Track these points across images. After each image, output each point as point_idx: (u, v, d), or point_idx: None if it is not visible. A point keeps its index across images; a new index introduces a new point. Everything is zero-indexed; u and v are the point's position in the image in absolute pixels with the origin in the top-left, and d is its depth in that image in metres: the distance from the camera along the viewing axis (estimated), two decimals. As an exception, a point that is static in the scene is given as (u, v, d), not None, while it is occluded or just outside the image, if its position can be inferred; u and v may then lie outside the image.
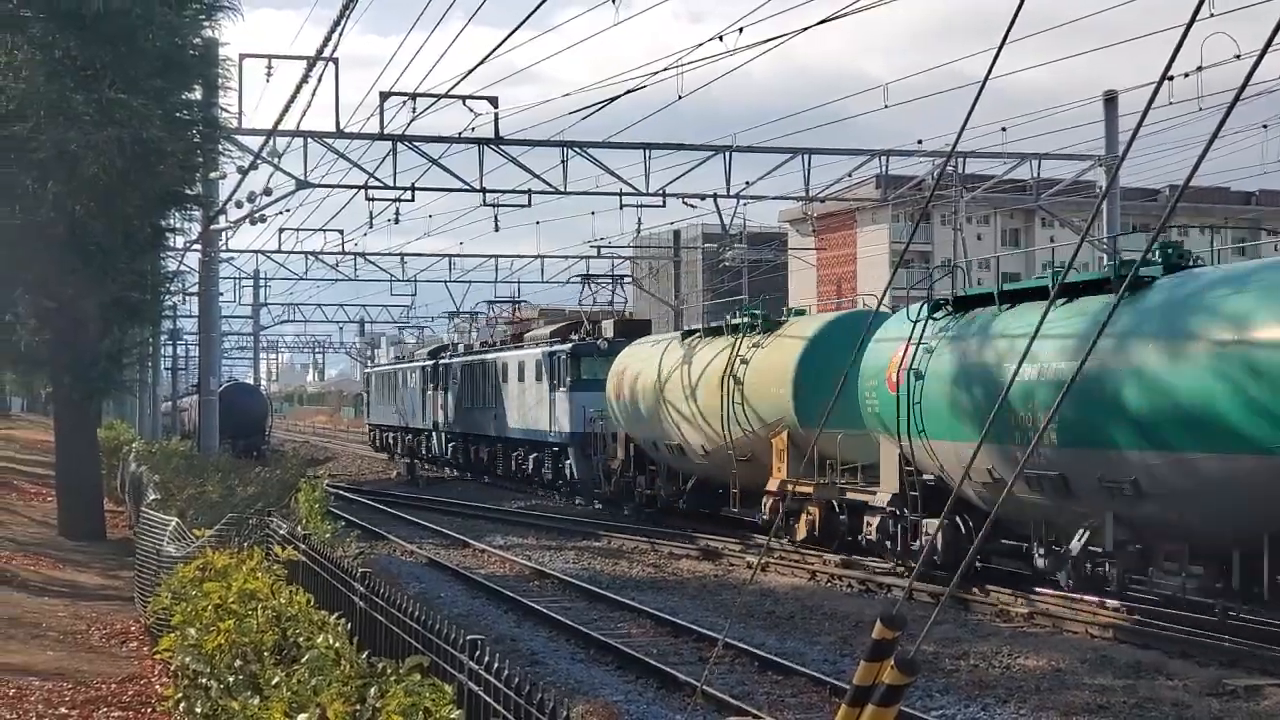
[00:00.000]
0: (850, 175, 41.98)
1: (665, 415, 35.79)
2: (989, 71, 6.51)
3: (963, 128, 6.95)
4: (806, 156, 38.89)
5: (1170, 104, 32.08)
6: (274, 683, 7.08)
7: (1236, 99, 5.66)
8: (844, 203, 53.70)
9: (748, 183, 40.71)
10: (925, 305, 24.97)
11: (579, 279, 55.77)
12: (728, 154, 38.73)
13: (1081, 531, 20.26)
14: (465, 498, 45.97)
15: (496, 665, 5.96)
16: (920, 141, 40.35)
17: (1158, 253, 19.75)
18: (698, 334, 36.78)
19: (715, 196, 40.52)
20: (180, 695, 9.71)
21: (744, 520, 33.43)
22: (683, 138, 40.12)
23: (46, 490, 38.17)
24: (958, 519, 23.50)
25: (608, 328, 46.17)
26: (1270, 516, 17.42)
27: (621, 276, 59.00)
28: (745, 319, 34.16)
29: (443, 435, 59.33)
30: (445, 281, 75.35)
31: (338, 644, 7.12)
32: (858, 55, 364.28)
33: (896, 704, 5.61)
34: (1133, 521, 19.63)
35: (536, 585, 26.31)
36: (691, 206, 41.68)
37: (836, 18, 24.76)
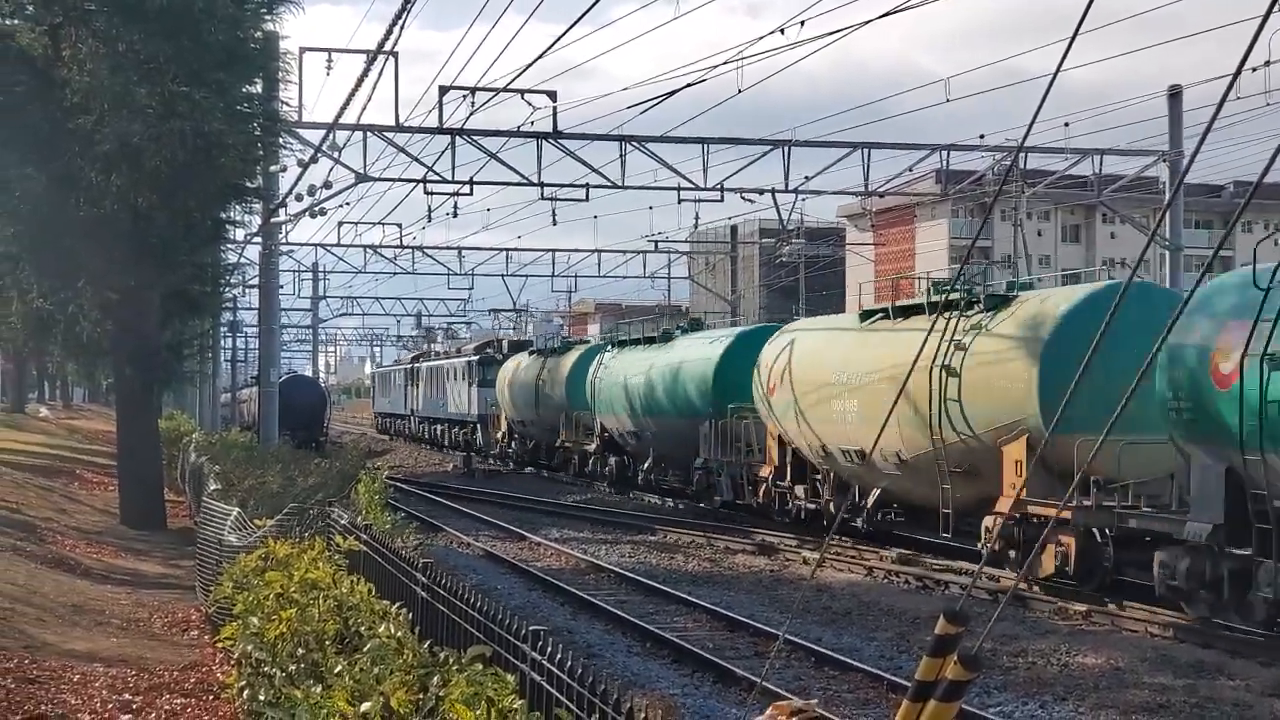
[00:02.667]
0: (910, 170, 41.87)
1: (517, 403, 56.92)
2: (1058, 68, 6.48)
3: (1031, 124, 6.92)
4: (866, 151, 38.81)
5: (1237, 99, 31.84)
6: (336, 671, 7.12)
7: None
8: (904, 197, 53.53)
9: (806, 177, 40.65)
10: (609, 341, 47.96)
11: (490, 309, 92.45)
12: (786, 148, 38.70)
13: (647, 462, 41.85)
14: (521, 490, 46.09)
15: (559, 655, 5.98)
16: (982, 136, 40.19)
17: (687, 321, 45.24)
18: (536, 352, 57.33)
19: (773, 191, 40.48)
20: (243, 683, 9.79)
21: (559, 466, 52.72)
22: (741, 133, 40.13)
23: (108, 479, 38.56)
24: (624, 457, 45.47)
25: (505, 346, 66.76)
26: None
27: (522, 310, 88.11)
28: (551, 344, 56.56)
29: (416, 418, 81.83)
30: (502, 275, 75.65)
31: (400, 633, 7.16)
32: (914, 51, 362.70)
33: (959, 700, 5.58)
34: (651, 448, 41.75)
35: (592, 578, 26.33)
36: (749, 201, 41.68)
37: (899, 10, 24.66)
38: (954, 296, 25.46)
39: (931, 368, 24.76)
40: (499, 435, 60.86)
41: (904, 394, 24.38)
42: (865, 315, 29.69)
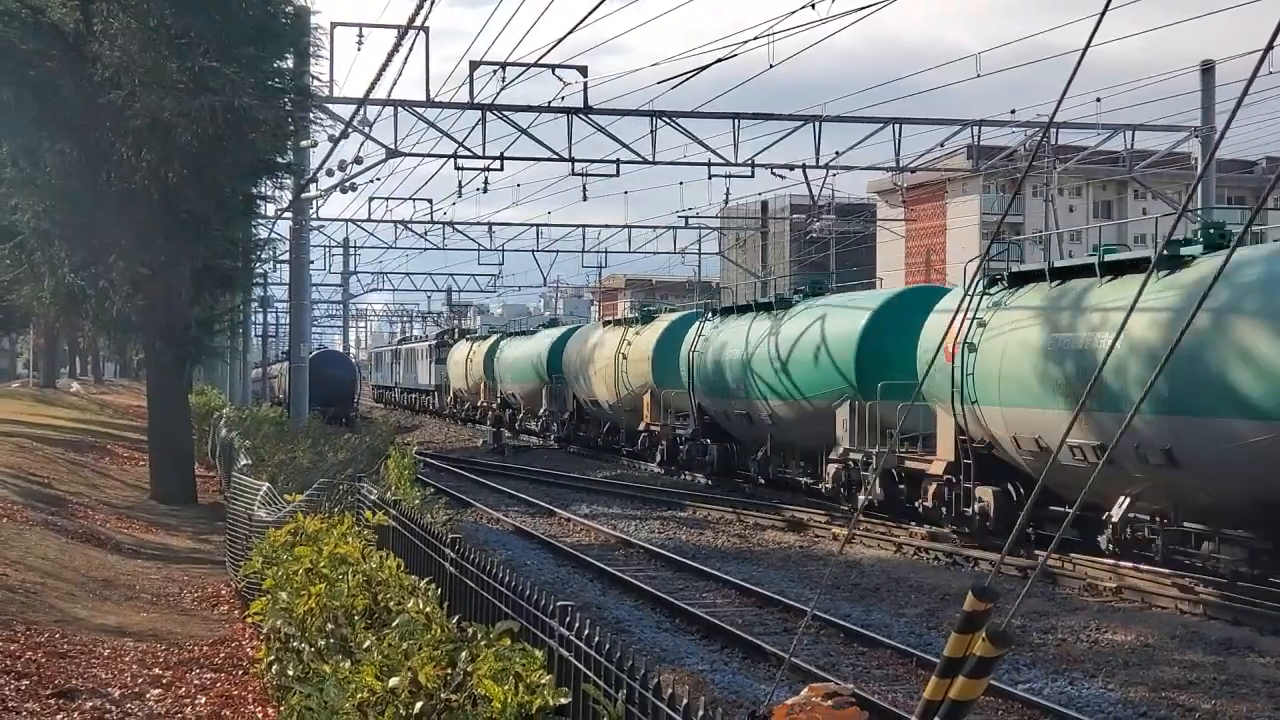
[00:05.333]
0: (941, 145, 41.65)
1: (458, 375, 76.48)
2: (1087, 44, 6.43)
3: (1060, 99, 6.88)
4: (897, 126, 38.62)
5: (1270, 73, 31.55)
6: (365, 646, 7.13)
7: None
8: (935, 173, 53.30)
9: (837, 153, 40.46)
10: (507, 332, 71.66)
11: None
12: (817, 124, 38.54)
13: (521, 414, 65.33)
14: (551, 466, 46.17)
15: (587, 631, 5.97)
16: (1013, 111, 39.95)
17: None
18: (475, 338, 78.30)
19: (804, 167, 40.32)
20: (272, 658, 9.82)
21: (473, 419, 73.02)
22: (771, 108, 39.96)
23: (139, 454, 38.68)
24: (514, 412, 64.20)
25: (456, 333, 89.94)
26: None
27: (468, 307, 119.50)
28: (485, 335, 77.10)
29: (398, 389, 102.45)
30: (533, 251, 75.52)
31: (428, 609, 7.17)
32: (945, 25, 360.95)
33: (987, 676, 5.58)
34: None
35: (621, 554, 26.36)
36: (780, 177, 41.49)
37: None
38: (632, 315, 49.28)
39: (617, 354, 47.60)
40: (448, 400, 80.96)
41: (616, 369, 47.48)
42: (605, 323, 53.42)
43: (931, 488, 26.24)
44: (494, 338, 71.71)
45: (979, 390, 24.67)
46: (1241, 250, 20.04)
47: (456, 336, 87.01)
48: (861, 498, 28.42)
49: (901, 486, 27.89)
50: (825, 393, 31.39)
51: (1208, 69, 37.86)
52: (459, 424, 75.62)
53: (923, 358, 26.51)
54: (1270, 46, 5.82)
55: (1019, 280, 25.00)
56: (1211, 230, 21.10)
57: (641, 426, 45.53)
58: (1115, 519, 21.21)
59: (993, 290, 25.39)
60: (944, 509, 25.89)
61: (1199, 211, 38.44)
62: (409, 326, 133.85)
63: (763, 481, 36.50)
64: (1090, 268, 22.57)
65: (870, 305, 31.53)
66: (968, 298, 25.04)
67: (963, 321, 24.89)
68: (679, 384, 41.47)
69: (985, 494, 24.81)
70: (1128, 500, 21.11)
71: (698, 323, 41.26)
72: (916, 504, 27.05)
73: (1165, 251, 20.67)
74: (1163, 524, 20.93)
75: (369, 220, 61.56)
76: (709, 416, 39.56)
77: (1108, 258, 22.36)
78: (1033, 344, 23.12)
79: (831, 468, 30.76)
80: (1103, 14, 6.05)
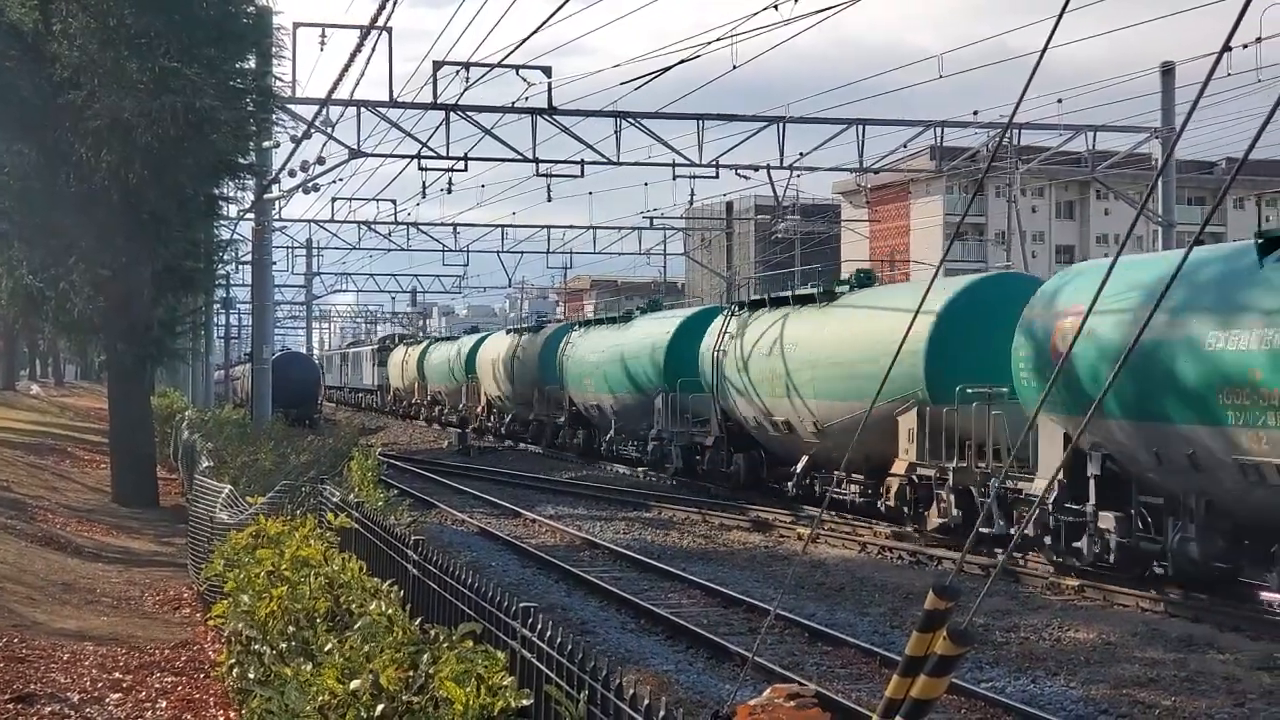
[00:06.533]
0: (905, 146, 41.76)
1: (397, 378, 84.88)
2: (1045, 46, 6.45)
3: (1019, 100, 6.89)
4: (860, 127, 38.68)
5: (1229, 75, 31.74)
6: (327, 649, 7.10)
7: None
8: (898, 173, 53.44)
9: (801, 154, 40.49)
10: (433, 339, 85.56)
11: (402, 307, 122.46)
12: (781, 125, 38.58)
13: (430, 402, 77.13)
14: (517, 468, 46.10)
15: (549, 632, 5.96)
16: (976, 113, 40.07)
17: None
18: (411, 343, 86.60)
19: (769, 168, 40.37)
20: (233, 661, 9.77)
21: (408, 415, 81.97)
22: (735, 109, 40.07)
23: (100, 457, 38.50)
24: (440, 408, 73.77)
25: (398, 339, 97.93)
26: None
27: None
28: (419, 340, 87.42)
29: (346, 388, 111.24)
30: (497, 252, 75.47)
31: (390, 611, 7.14)
32: (908, 27, 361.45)
33: (949, 675, 5.57)
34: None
35: (587, 555, 26.32)
36: (744, 178, 41.58)
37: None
38: (529, 325, 59.49)
39: (512, 359, 56.28)
40: (388, 398, 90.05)
41: (512, 369, 56.09)
42: (507, 331, 63.31)
43: (707, 455, 36.60)
44: (426, 343, 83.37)
45: (727, 384, 34.27)
46: (881, 288, 31.32)
47: (396, 341, 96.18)
48: (826, 499, 30.77)
49: (697, 457, 37.29)
50: (647, 387, 40.83)
51: (1167, 70, 38.03)
52: (424, 426, 75.53)
53: (700, 360, 36.25)
54: (1227, 48, 5.85)
55: (755, 306, 34.52)
56: (862, 274, 31.07)
57: (531, 417, 55.40)
58: (798, 472, 30.99)
59: (739, 311, 34.88)
60: (715, 471, 36.15)
61: (1159, 211, 38.61)
62: (374, 328, 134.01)
63: (619, 461, 45.72)
64: (786, 299, 32.72)
65: (676, 319, 41.48)
66: (724, 317, 35.18)
67: (719, 334, 34.94)
68: (557, 382, 50.27)
69: (739, 458, 34.98)
70: (806, 459, 30.63)
71: (569, 331, 51.15)
72: (698, 468, 37.23)
73: (833, 288, 31.51)
74: (823, 474, 30.36)
75: (332, 221, 61.43)
76: (576, 408, 48.85)
77: (797, 292, 32.84)
78: (751, 351, 32.70)
79: (651, 445, 40.40)
80: (1060, 16, 6.07)
